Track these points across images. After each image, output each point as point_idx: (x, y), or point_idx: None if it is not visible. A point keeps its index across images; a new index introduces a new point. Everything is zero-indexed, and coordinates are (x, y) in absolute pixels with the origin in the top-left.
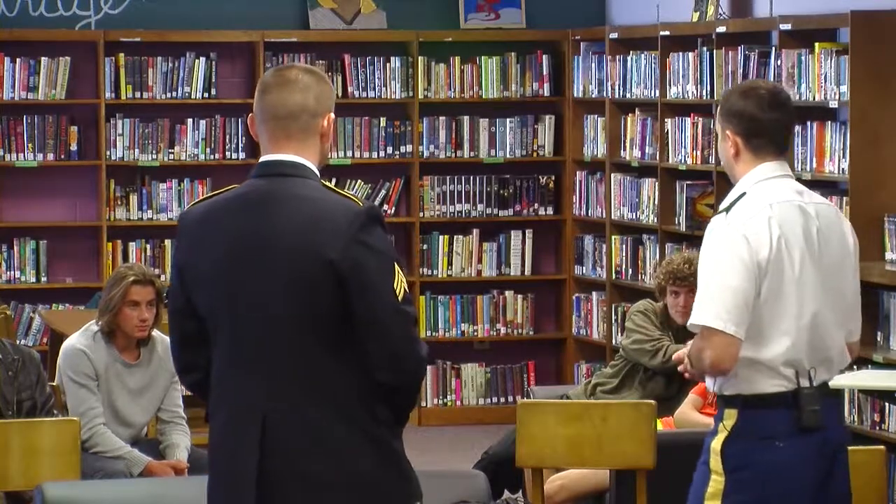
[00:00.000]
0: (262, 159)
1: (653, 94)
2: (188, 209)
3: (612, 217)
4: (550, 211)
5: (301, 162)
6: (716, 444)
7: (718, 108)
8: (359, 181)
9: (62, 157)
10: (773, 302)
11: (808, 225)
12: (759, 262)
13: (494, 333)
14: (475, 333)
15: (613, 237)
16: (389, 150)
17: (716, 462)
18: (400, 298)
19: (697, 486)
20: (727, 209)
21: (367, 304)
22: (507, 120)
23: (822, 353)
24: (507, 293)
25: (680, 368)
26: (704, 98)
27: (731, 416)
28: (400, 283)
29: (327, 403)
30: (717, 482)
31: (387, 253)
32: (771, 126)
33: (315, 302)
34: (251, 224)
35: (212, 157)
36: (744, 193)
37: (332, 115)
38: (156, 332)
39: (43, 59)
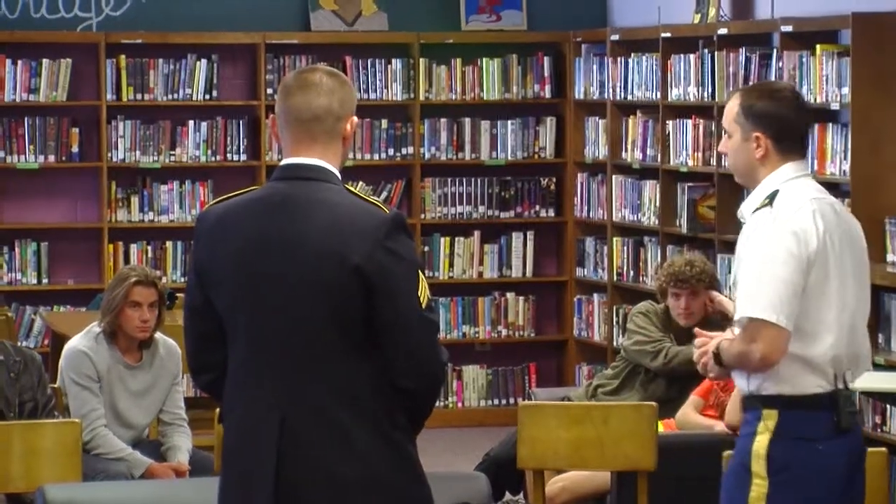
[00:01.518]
0: (283, 162)
1: (654, 96)
2: (207, 209)
3: (614, 219)
4: (552, 213)
5: (324, 166)
6: (758, 447)
7: (741, 111)
8: (360, 183)
9: (63, 158)
10: (818, 295)
11: (839, 222)
12: (808, 255)
13: (496, 335)
14: (476, 335)
15: (615, 239)
16: (391, 151)
17: (759, 465)
18: (423, 306)
19: (733, 491)
20: (769, 203)
21: (391, 309)
22: (509, 122)
23: (855, 349)
24: (508, 295)
25: (701, 369)
26: (706, 100)
27: (771, 417)
28: (423, 291)
29: (346, 406)
30: (759, 486)
31: (412, 260)
32: (801, 127)
33: (336, 305)
34: (272, 226)
35: (213, 158)
36: (777, 190)
37: (355, 119)
38: (158, 335)
39: (44, 60)
